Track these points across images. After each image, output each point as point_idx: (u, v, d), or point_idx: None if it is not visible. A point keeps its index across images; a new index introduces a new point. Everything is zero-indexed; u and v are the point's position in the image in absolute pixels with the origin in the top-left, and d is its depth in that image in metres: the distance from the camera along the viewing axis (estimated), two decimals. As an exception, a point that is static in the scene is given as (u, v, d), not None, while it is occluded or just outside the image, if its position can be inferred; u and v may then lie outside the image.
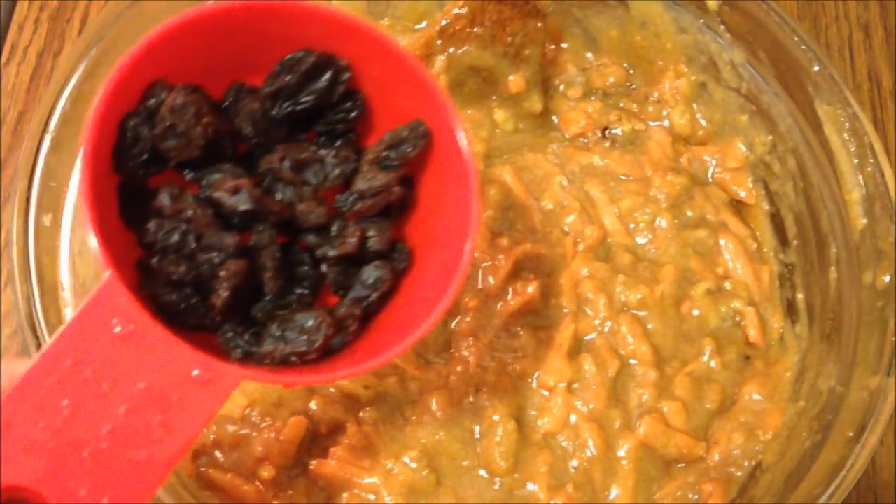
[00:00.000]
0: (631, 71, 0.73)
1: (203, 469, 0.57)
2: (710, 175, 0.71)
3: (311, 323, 0.43)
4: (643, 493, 0.59)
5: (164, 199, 0.43)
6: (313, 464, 0.58)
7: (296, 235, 0.48)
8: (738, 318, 0.65)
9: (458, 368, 0.61)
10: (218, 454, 0.58)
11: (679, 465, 0.60)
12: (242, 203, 0.44)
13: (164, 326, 0.39)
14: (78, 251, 0.58)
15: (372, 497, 0.57)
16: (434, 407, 0.60)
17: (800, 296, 0.66)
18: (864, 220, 0.59)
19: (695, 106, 0.71)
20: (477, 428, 0.60)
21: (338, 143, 0.49)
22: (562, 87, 0.74)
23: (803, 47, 0.62)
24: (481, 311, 0.62)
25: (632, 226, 0.67)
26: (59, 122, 0.58)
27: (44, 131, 0.57)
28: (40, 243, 0.56)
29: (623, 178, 0.70)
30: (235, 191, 0.44)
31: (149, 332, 0.38)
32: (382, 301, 0.47)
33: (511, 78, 0.69)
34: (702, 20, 0.68)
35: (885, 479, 0.68)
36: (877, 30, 0.91)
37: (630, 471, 0.59)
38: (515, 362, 0.61)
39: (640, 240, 0.67)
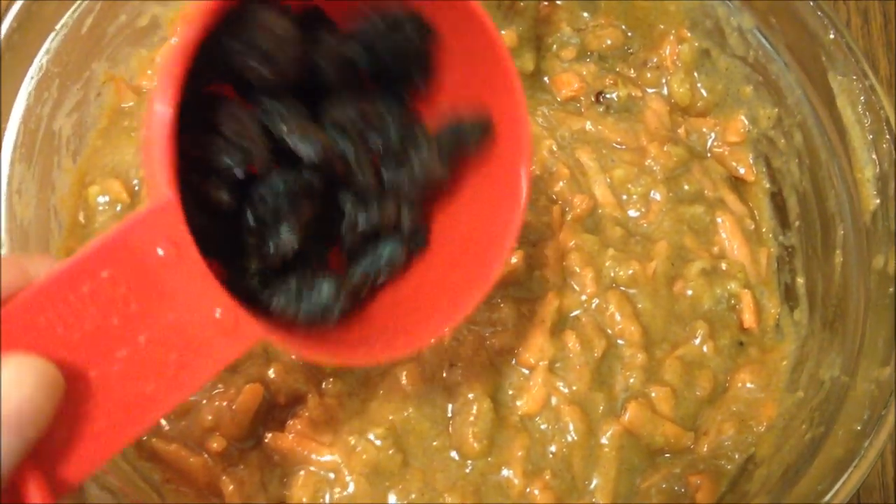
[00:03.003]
0: (630, 34, 0.70)
1: (144, 437, 0.53)
2: (708, 148, 0.67)
3: (330, 293, 0.44)
4: (625, 484, 0.55)
5: (228, 118, 0.41)
6: (269, 437, 0.54)
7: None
8: (732, 301, 0.61)
9: (431, 341, 0.56)
10: (162, 422, 0.54)
11: (665, 456, 0.57)
12: (308, 153, 0.42)
13: (205, 261, 0.38)
14: (16, 189, 0.54)
15: (332, 476, 0.53)
16: (404, 381, 0.56)
17: (800, 280, 0.62)
18: (877, 201, 0.56)
19: (696, 74, 0.67)
20: (450, 406, 0.56)
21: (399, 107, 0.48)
22: (554, 48, 0.70)
23: (819, 14, 0.58)
24: (459, 280, 0.57)
25: (624, 197, 0.63)
26: (3, 46, 0.53)
27: (-17, 52, 0.51)
28: (-26, 176, 0.51)
29: (616, 146, 0.65)
30: (305, 138, 0.42)
31: (191, 264, 0.37)
32: (391, 279, 0.49)
33: (503, 32, 0.64)
34: (709, -19, 0.64)
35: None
36: (875, 16, 0.90)
37: (612, 459, 0.55)
38: (494, 337, 0.57)
39: (632, 213, 0.63)
